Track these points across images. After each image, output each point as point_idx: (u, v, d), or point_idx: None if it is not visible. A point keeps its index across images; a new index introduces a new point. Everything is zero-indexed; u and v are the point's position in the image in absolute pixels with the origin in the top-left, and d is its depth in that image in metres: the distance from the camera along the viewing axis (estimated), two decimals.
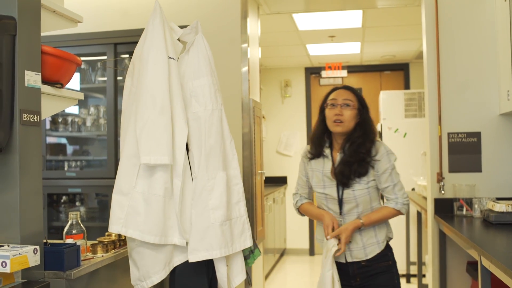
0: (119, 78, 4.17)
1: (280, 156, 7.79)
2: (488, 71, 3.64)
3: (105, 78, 4.29)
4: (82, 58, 4.24)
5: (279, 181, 7.68)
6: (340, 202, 2.53)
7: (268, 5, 4.48)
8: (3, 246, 1.78)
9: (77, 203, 4.44)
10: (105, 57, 4.16)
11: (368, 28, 5.56)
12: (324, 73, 7.46)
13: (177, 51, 2.42)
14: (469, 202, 3.50)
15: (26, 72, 1.92)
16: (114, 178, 3.86)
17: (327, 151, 2.58)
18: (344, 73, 7.33)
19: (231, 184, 2.41)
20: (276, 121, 7.78)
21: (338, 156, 2.55)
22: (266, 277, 5.95)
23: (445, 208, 3.65)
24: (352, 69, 7.61)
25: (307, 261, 7.38)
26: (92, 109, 4.39)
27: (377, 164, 2.50)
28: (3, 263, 1.68)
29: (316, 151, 2.60)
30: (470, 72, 3.67)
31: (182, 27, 2.57)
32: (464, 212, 3.51)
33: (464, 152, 3.66)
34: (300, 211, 2.75)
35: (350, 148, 2.49)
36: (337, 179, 2.50)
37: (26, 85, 1.91)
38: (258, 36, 4.56)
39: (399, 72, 7.64)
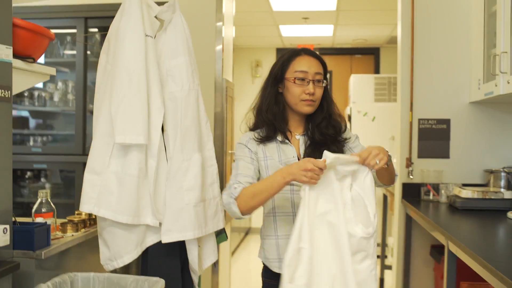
0: (88, 52, 4.08)
1: None
2: (460, 60, 3.68)
3: (74, 52, 4.18)
4: (52, 31, 4.15)
5: None
6: None
7: None
8: None
9: (42, 179, 4.35)
10: (74, 31, 4.06)
11: (342, 11, 5.56)
12: None
13: (154, 28, 2.36)
14: (436, 188, 3.57)
15: None
16: (82, 154, 3.89)
17: (281, 134, 2.05)
18: None
19: (206, 166, 2.39)
20: (246, 101, 7.66)
21: (301, 139, 2.07)
22: (232, 254, 5.98)
23: (412, 192, 3.71)
24: (324, 51, 7.62)
25: None
26: (60, 84, 4.28)
27: (348, 141, 2.11)
28: None
29: (270, 133, 2.04)
30: (443, 60, 3.71)
31: (159, 4, 2.51)
32: (431, 197, 3.58)
33: (433, 138, 3.71)
34: (242, 198, 1.87)
35: (318, 128, 2.06)
36: None
37: None
38: (233, 15, 4.50)
39: (369, 56, 7.69)
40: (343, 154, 1.87)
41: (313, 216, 1.75)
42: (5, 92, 1.88)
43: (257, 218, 7.77)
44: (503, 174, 3.43)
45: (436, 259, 3.56)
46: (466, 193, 3.21)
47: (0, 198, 1.87)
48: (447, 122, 3.70)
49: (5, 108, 1.90)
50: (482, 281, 3.12)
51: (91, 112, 3.96)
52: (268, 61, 7.81)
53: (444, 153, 3.71)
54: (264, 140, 2.03)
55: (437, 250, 3.55)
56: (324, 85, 2.03)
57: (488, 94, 3.25)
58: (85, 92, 3.99)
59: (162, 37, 2.36)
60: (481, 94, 3.38)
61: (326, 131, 2.05)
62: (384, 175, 1.96)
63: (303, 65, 2.01)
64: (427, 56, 3.72)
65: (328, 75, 2.13)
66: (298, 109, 2.02)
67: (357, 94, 6.26)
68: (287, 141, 2.04)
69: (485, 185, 3.57)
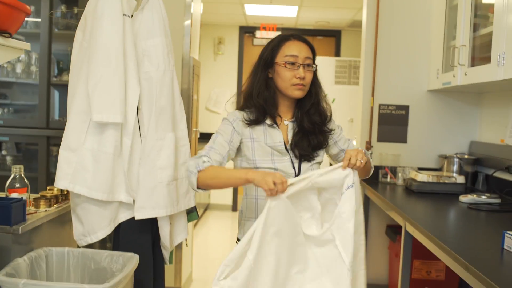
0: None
1: (209, 113, 7.82)
2: (421, 49, 3.83)
3: (38, 20, 4.08)
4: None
5: (207, 138, 7.63)
6: None
7: None
8: None
9: (3, 152, 4.30)
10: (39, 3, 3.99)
11: None
12: (258, 33, 7.52)
13: (131, 7, 2.39)
14: (394, 171, 3.73)
15: None
16: (45, 128, 3.86)
17: (270, 118, 2.06)
18: (278, 34, 7.41)
19: (179, 145, 2.46)
20: (207, 78, 7.77)
21: (289, 125, 2.10)
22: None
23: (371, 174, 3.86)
24: (286, 31, 7.69)
25: (230, 217, 7.56)
26: (22, 55, 4.20)
27: (332, 132, 2.16)
28: None
29: (259, 117, 2.04)
30: (405, 48, 3.85)
31: None
32: (388, 179, 3.74)
33: (392, 123, 3.87)
34: (204, 174, 1.88)
35: (307, 115, 2.08)
36: (294, 153, 2.05)
37: None
38: None
39: (331, 38, 7.79)
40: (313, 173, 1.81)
41: (266, 232, 1.71)
42: None
43: (216, 195, 7.87)
44: (455, 159, 3.63)
45: (391, 238, 3.75)
46: (422, 177, 3.38)
47: None
48: (406, 108, 3.87)
49: None
50: (433, 259, 3.33)
51: (54, 85, 3.98)
52: (231, 39, 7.82)
53: (402, 138, 3.88)
54: (253, 123, 2.03)
55: (393, 230, 3.73)
56: (313, 69, 2.04)
57: (446, 84, 3.41)
58: (49, 65, 3.95)
59: (139, 16, 2.39)
60: (439, 83, 3.55)
61: (314, 118, 2.07)
62: (362, 172, 1.98)
63: (293, 50, 2.00)
64: (390, 44, 3.86)
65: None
66: (288, 93, 2.02)
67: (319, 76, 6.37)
68: (275, 125, 2.05)
69: (439, 169, 3.76)
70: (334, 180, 1.81)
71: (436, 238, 2.12)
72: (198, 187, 1.90)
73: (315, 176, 1.77)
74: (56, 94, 4.10)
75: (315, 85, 2.09)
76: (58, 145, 3.83)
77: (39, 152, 3.95)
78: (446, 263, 2.05)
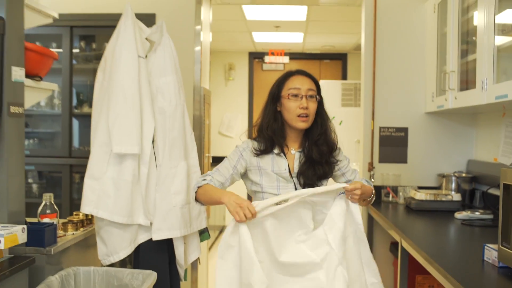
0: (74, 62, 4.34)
1: (221, 137, 8.09)
2: (417, 74, 4.07)
3: (60, 50, 4.37)
4: (40, 40, 4.39)
5: (220, 161, 7.95)
6: None
7: None
8: None
9: (29, 180, 4.58)
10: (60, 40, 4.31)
11: (311, 21, 5.92)
12: (267, 58, 7.78)
13: (145, 49, 2.67)
14: (395, 190, 3.94)
15: (13, 68, 2.13)
16: (68, 157, 4.15)
17: (278, 147, 2.22)
18: (286, 59, 7.68)
19: (191, 172, 2.72)
20: (219, 103, 8.06)
21: (296, 155, 2.24)
22: (208, 250, 6.29)
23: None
24: (294, 56, 7.97)
25: None
26: None
27: (339, 163, 2.30)
28: None
29: (268, 147, 2.20)
30: (402, 72, 4.09)
31: (142, 14, 2.79)
32: (390, 198, 3.95)
33: (392, 144, 4.09)
34: (201, 190, 2.17)
35: (316, 145, 2.22)
36: (298, 180, 2.20)
37: (12, 80, 2.12)
38: (210, 23, 4.80)
39: (337, 61, 8.06)
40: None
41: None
42: (19, 109, 2.17)
43: (230, 217, 8.07)
44: (453, 178, 3.83)
45: (395, 255, 3.94)
46: (420, 195, 3.58)
47: (14, 201, 2.16)
48: (405, 130, 4.09)
49: (19, 122, 2.18)
50: None
51: (75, 116, 4.27)
52: (241, 65, 8.12)
53: (402, 159, 4.10)
54: (262, 153, 2.20)
55: (395, 246, 3.93)
56: (317, 100, 2.20)
57: (439, 107, 3.64)
58: (71, 97, 4.25)
59: (152, 57, 2.67)
60: (434, 106, 3.77)
61: (322, 149, 2.20)
62: (361, 203, 2.23)
63: (296, 83, 2.19)
64: (388, 69, 4.10)
65: (320, 91, 2.28)
66: (294, 124, 2.18)
67: (325, 98, 6.53)
68: (282, 154, 2.21)
69: (438, 187, 3.97)
70: (326, 197, 2.08)
71: (424, 252, 2.34)
72: (196, 201, 2.20)
73: (306, 196, 2.02)
74: (75, 124, 4.39)
75: (321, 116, 2.25)
76: (80, 172, 4.15)
77: (63, 179, 4.23)
78: (432, 274, 2.26)
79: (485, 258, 2.20)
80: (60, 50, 4.30)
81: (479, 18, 2.91)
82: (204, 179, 2.18)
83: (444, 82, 3.47)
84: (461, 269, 2.10)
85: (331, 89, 6.58)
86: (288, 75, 2.26)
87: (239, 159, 2.25)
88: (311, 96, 2.19)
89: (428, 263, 2.27)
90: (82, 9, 4.22)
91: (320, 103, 2.25)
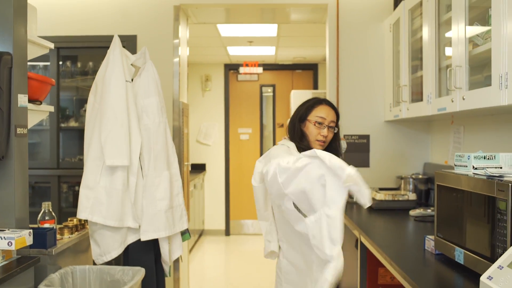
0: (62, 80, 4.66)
1: (199, 145, 8.44)
2: (377, 85, 4.49)
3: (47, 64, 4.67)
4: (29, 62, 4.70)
5: (199, 168, 8.35)
6: None
7: (196, 17, 5.09)
8: (4, 230, 2.34)
9: None
10: (48, 61, 4.63)
11: (282, 37, 6.32)
12: (242, 69, 8.17)
13: (131, 74, 3.03)
14: None
15: (19, 95, 2.46)
16: (56, 168, 4.47)
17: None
18: (260, 69, 8.09)
19: (173, 180, 3.08)
20: (197, 113, 8.41)
21: None
22: (189, 253, 6.63)
23: None
24: (267, 67, 8.38)
25: (223, 241, 8.14)
26: None
27: None
28: (9, 243, 2.24)
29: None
30: (363, 84, 4.51)
31: (124, 36, 3.24)
32: (354, 199, 4.32)
33: (356, 151, 4.50)
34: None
35: None
36: None
37: (18, 106, 2.46)
38: (187, 39, 5.16)
39: (309, 71, 8.49)
40: None
41: None
42: (23, 130, 2.50)
43: (209, 221, 8.45)
44: (411, 179, 4.24)
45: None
46: (380, 196, 3.98)
47: (20, 209, 2.49)
48: (367, 137, 4.50)
49: (24, 141, 2.52)
50: None
51: (62, 130, 4.59)
52: (217, 76, 8.49)
53: (365, 163, 4.51)
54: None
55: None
56: (335, 131, 2.59)
57: (396, 116, 4.05)
58: (59, 113, 4.57)
59: (138, 80, 3.04)
60: (392, 115, 4.19)
61: None
62: None
63: (324, 113, 2.55)
64: (350, 82, 4.52)
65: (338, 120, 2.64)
66: (312, 145, 2.53)
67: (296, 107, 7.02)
68: None
69: (397, 188, 4.38)
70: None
71: (376, 245, 2.72)
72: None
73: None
74: (61, 137, 4.71)
75: (335, 141, 2.65)
76: (68, 182, 4.46)
77: (51, 189, 4.55)
78: (383, 263, 2.65)
79: (426, 248, 2.59)
80: (47, 63, 4.62)
81: (423, 39, 3.32)
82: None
83: (398, 95, 3.89)
84: (405, 257, 2.48)
85: (302, 99, 6.93)
86: (317, 103, 2.59)
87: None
88: (331, 127, 2.57)
89: (379, 254, 2.66)
90: (68, 32, 4.56)
91: (337, 132, 2.64)
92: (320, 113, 2.56)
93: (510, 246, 1.71)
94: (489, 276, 1.65)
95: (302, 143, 2.56)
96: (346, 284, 4.54)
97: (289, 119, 2.73)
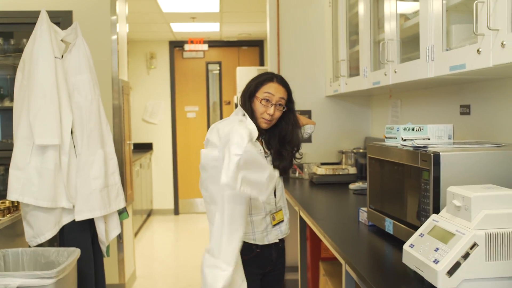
0: None
1: (145, 124, 8.32)
2: (318, 61, 4.51)
3: None
4: None
5: (146, 147, 8.25)
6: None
7: None
8: None
9: None
10: None
11: (225, 12, 6.25)
12: (187, 47, 8.07)
13: (61, 50, 2.93)
14: (301, 167, 4.38)
15: None
16: None
17: None
18: (205, 47, 8.01)
19: (108, 159, 3.01)
20: (142, 91, 8.27)
21: (264, 145, 2.54)
22: (135, 235, 6.57)
23: None
24: (213, 44, 8.30)
25: (172, 220, 8.10)
26: None
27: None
28: None
29: None
30: (304, 60, 4.52)
31: (59, 12, 3.27)
32: (297, 175, 4.39)
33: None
34: None
35: (281, 144, 2.55)
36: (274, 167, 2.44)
37: None
38: (126, 15, 5.02)
39: (255, 47, 8.46)
40: None
41: None
42: None
43: (158, 201, 8.38)
44: (352, 154, 4.31)
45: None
46: (321, 170, 4.03)
47: None
48: (308, 112, 4.53)
49: None
50: None
51: None
52: (162, 53, 8.36)
53: (307, 139, 4.52)
54: None
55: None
56: (284, 109, 2.49)
57: (335, 91, 4.09)
58: None
59: (68, 57, 2.94)
60: (331, 90, 4.23)
61: (287, 149, 2.56)
62: None
63: (272, 89, 2.45)
64: (291, 56, 4.52)
65: (291, 98, 2.58)
66: (257, 122, 2.43)
67: (243, 84, 6.91)
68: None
69: (339, 163, 4.44)
70: None
71: (312, 218, 2.76)
72: None
73: None
74: None
75: (287, 122, 2.56)
76: (4, 164, 4.32)
77: None
78: (319, 236, 2.68)
79: (360, 219, 2.64)
80: None
81: (359, 14, 3.34)
82: None
83: (338, 70, 3.92)
84: (339, 230, 2.53)
85: (248, 75, 6.90)
86: (267, 80, 2.50)
87: None
88: (279, 105, 2.47)
89: (315, 228, 2.69)
90: (0, 6, 4.36)
91: (291, 110, 2.57)
92: (269, 89, 2.46)
93: (432, 214, 1.75)
94: (411, 244, 1.69)
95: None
96: (290, 258, 4.60)
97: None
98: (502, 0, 1.66)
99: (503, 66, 1.73)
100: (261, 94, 2.46)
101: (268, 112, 2.43)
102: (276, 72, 4.45)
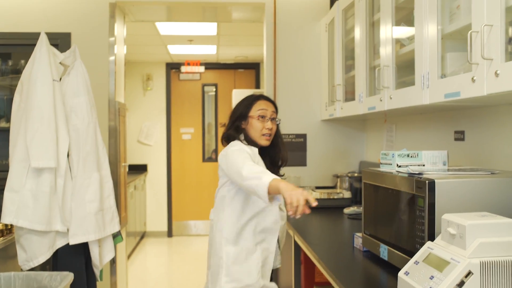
0: None
1: (140, 145, 8.31)
2: (314, 84, 4.54)
3: None
4: None
5: (140, 169, 8.23)
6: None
7: (134, 14, 5.00)
8: None
9: None
10: None
11: (222, 35, 6.30)
12: (183, 69, 8.11)
13: (59, 73, 2.94)
14: None
15: None
16: None
17: None
18: (201, 69, 8.06)
19: (103, 182, 3.01)
20: (138, 112, 8.28)
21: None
22: (128, 257, 6.52)
23: None
24: (209, 66, 8.34)
25: (165, 242, 8.05)
26: None
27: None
28: None
29: None
30: (300, 83, 4.55)
31: (58, 34, 3.18)
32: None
33: (293, 149, 4.54)
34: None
35: (272, 165, 2.68)
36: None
37: None
38: (124, 37, 5.06)
39: (251, 70, 8.51)
40: None
41: None
42: None
43: (151, 223, 8.34)
44: (346, 178, 4.31)
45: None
46: (316, 194, 4.03)
47: None
48: (304, 136, 4.55)
49: None
50: None
51: None
52: (158, 75, 8.38)
53: (302, 162, 4.55)
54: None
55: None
56: (278, 122, 2.65)
57: (331, 115, 4.11)
58: None
59: (66, 80, 2.95)
60: (327, 114, 4.25)
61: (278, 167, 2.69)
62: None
63: (264, 105, 2.58)
64: (287, 81, 4.55)
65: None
66: (258, 141, 2.56)
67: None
68: None
69: (334, 187, 4.44)
70: None
71: (306, 243, 2.75)
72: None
73: None
74: None
75: (276, 136, 2.68)
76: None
77: None
78: (313, 260, 2.67)
79: (354, 245, 2.64)
80: None
81: (355, 39, 3.38)
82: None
83: (333, 94, 3.94)
84: (334, 255, 2.52)
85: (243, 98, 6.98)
86: (256, 99, 2.60)
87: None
88: (273, 119, 2.61)
89: (309, 252, 2.69)
90: None
91: (278, 126, 2.68)
92: (262, 106, 2.57)
93: (427, 241, 1.76)
94: (406, 272, 1.69)
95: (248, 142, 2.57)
96: (285, 283, 4.57)
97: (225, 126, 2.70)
98: (495, 30, 1.69)
99: (497, 95, 1.75)
100: (254, 112, 2.56)
101: (266, 127, 2.54)
102: (272, 96, 4.50)
